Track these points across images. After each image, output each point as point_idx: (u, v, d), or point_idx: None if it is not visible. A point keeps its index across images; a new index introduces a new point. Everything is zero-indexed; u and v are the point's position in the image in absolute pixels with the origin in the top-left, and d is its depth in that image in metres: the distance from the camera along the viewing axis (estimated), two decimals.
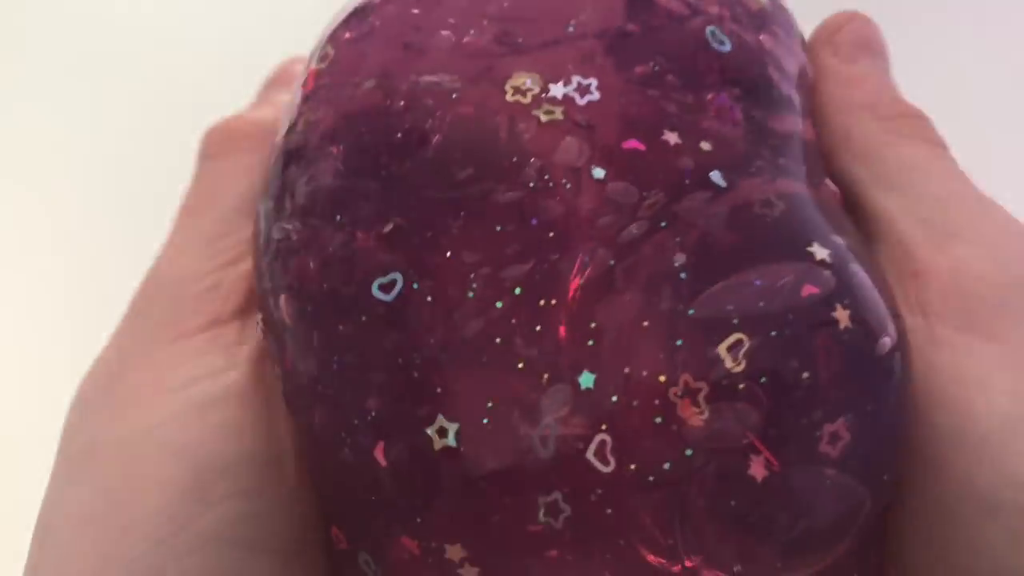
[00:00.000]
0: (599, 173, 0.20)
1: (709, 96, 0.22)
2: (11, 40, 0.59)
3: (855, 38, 0.25)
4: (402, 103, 0.22)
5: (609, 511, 0.19)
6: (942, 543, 0.20)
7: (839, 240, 0.20)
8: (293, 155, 0.23)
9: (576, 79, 0.21)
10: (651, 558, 0.19)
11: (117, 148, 0.54)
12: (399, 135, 0.22)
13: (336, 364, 0.21)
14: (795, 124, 0.23)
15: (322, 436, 0.22)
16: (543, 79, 0.21)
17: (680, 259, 0.19)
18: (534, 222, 0.20)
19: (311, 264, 0.22)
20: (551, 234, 0.20)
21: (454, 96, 0.22)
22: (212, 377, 0.22)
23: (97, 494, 0.21)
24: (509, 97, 0.21)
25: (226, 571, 0.20)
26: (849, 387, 0.19)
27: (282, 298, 0.22)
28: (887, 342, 0.19)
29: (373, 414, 0.20)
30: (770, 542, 0.19)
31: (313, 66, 0.24)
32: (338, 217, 0.22)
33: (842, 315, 0.19)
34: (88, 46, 0.58)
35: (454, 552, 0.20)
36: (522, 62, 0.22)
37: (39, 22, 0.60)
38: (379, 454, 0.20)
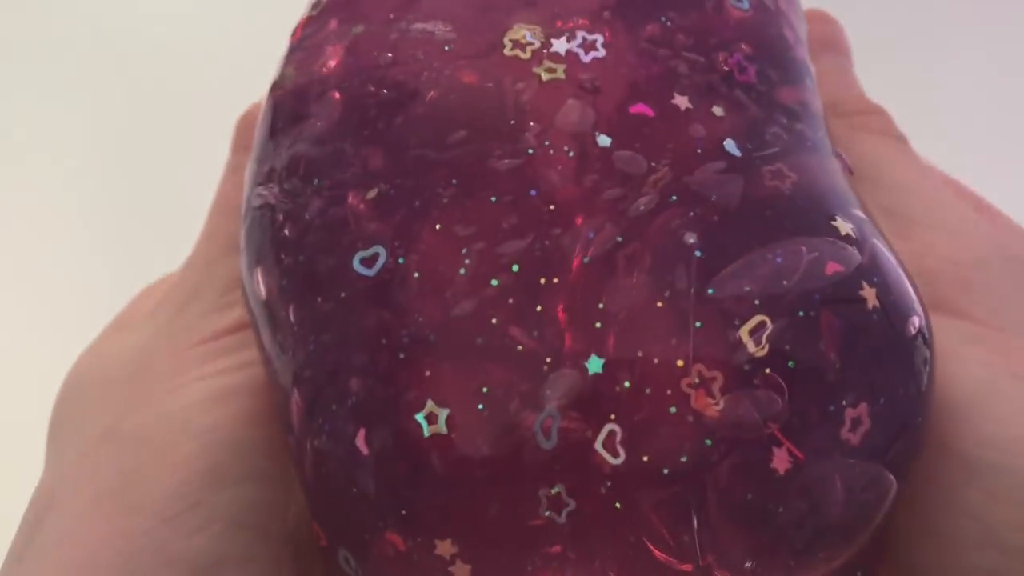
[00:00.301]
0: (604, 141, 0.19)
1: (722, 56, 0.20)
2: (10, 40, 0.57)
3: (818, 37, 0.26)
4: (390, 55, 0.20)
5: (618, 506, 0.17)
6: (923, 508, 0.20)
7: (861, 214, 0.19)
8: (276, 111, 0.21)
9: (581, 34, 0.20)
10: (661, 556, 0.17)
11: (118, 145, 0.53)
12: (384, 91, 0.20)
13: (313, 344, 0.20)
14: (811, 89, 0.21)
15: (299, 423, 0.20)
16: (545, 32, 0.20)
17: (693, 236, 0.18)
18: (533, 193, 0.19)
19: (287, 233, 0.20)
20: (552, 207, 0.18)
21: (447, 48, 0.20)
22: (239, 369, 0.22)
23: (113, 473, 0.21)
24: (507, 52, 0.20)
25: (233, 553, 0.20)
26: (878, 371, 0.18)
27: (258, 271, 0.21)
28: (916, 322, 0.18)
29: (354, 399, 0.19)
30: (792, 538, 0.17)
31: (304, 14, 0.22)
32: (316, 181, 0.20)
33: (869, 294, 0.18)
34: (89, 45, 0.57)
35: (444, 548, 0.18)
36: (524, 13, 0.20)
37: (38, 22, 0.58)
38: (361, 442, 0.19)
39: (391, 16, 0.21)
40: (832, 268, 0.18)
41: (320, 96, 0.21)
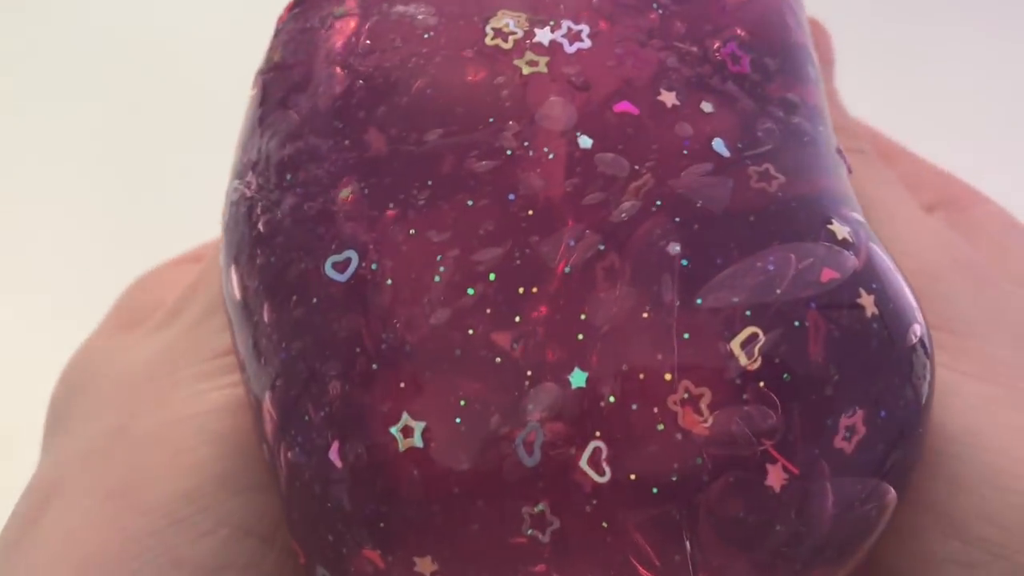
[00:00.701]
0: (586, 142, 0.18)
1: (716, 45, 0.19)
2: (9, 40, 0.56)
3: None
4: (368, 42, 0.19)
5: (604, 525, 0.16)
6: None
7: (858, 216, 0.18)
8: (257, 99, 0.20)
9: (566, 23, 0.19)
10: None
11: (118, 143, 0.52)
12: (361, 82, 0.19)
13: (286, 351, 0.19)
14: (812, 78, 0.20)
15: (272, 432, 0.19)
16: (529, 20, 0.19)
17: (678, 244, 0.17)
18: (511, 197, 0.18)
19: (261, 230, 0.19)
20: (530, 212, 0.18)
21: (427, 36, 0.19)
22: None
23: (125, 471, 0.21)
24: (489, 41, 0.19)
25: (238, 559, 0.20)
26: (878, 383, 0.17)
27: (231, 270, 0.20)
28: (917, 329, 0.17)
29: (327, 410, 0.18)
30: (789, 556, 0.17)
31: None
32: (289, 176, 0.19)
33: (867, 301, 0.17)
34: (89, 42, 0.56)
35: (424, 565, 0.18)
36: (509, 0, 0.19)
37: (37, 22, 0.57)
38: (334, 455, 0.18)
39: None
40: (828, 275, 0.17)
41: (298, 85, 0.20)
